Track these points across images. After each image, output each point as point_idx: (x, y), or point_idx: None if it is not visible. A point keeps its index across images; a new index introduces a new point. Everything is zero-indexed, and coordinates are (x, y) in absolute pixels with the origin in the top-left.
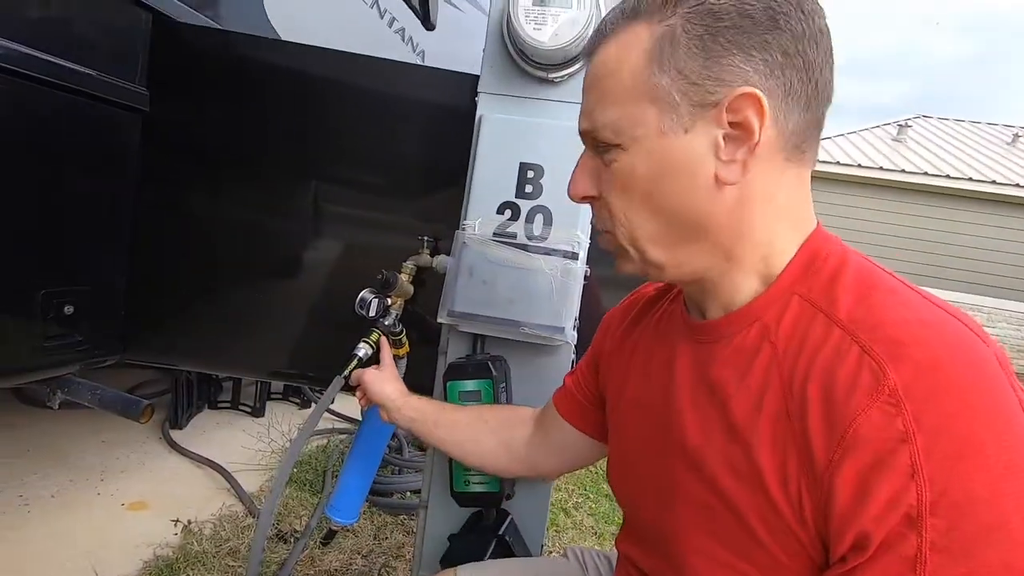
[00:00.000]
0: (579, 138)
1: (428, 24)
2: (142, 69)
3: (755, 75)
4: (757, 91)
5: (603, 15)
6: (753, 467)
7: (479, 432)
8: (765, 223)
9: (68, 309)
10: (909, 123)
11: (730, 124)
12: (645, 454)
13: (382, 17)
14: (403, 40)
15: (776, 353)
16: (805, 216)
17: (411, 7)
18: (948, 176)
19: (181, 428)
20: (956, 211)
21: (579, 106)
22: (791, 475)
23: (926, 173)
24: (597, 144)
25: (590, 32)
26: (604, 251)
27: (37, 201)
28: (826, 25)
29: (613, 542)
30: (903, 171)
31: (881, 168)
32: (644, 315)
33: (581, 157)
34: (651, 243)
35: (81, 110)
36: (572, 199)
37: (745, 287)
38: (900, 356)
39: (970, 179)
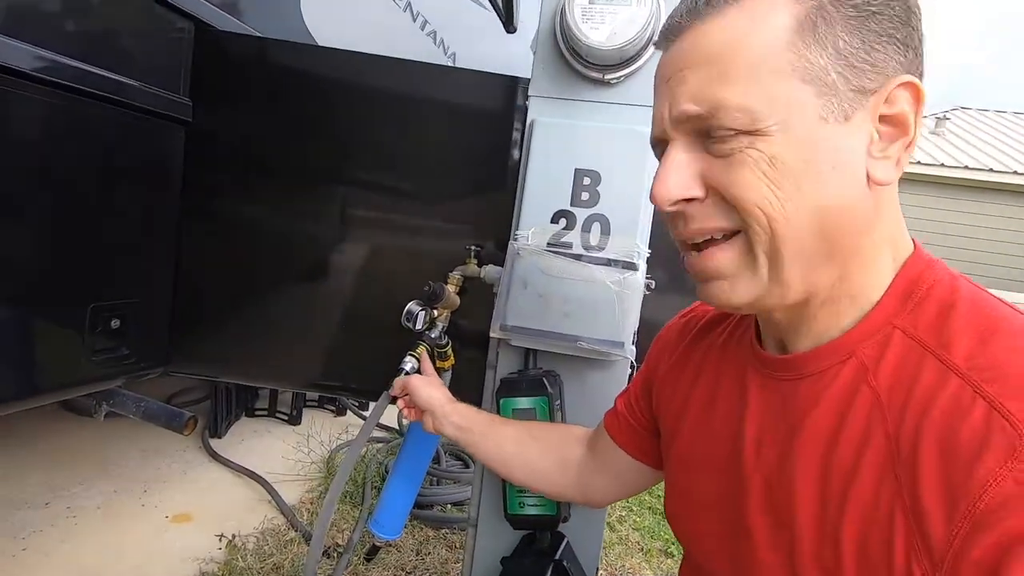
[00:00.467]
0: (641, 138)
1: (510, 27)
2: (185, 79)
3: (906, 66)
4: (918, 81)
5: (662, 13)
6: (851, 531)
7: (529, 449)
8: (880, 237)
9: (115, 323)
10: (947, 115)
11: (881, 118)
12: (710, 494)
13: (415, 20)
14: (435, 43)
15: (879, 400)
16: (903, 234)
17: (495, 8)
18: (991, 170)
19: (220, 437)
20: (1000, 206)
21: (637, 108)
22: (898, 546)
23: (967, 167)
24: (711, 131)
25: (649, 31)
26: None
27: (86, 215)
28: None
29: (660, 558)
30: (943, 165)
31: (919, 163)
32: (704, 336)
33: (669, 154)
34: (794, 250)
35: (127, 123)
36: (661, 204)
37: (844, 316)
38: None
39: (1015, 172)
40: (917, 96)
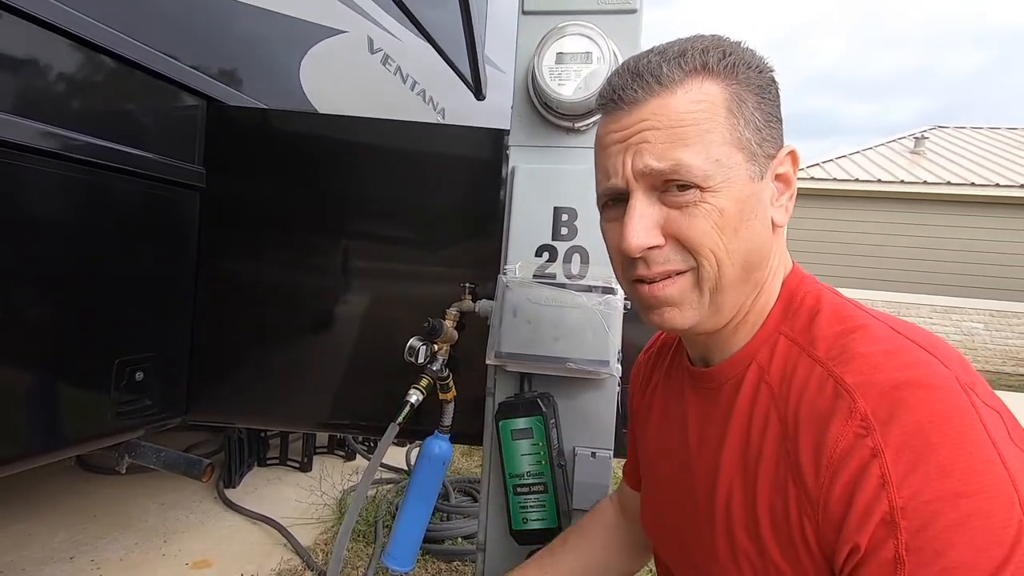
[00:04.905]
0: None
1: (479, 95)
2: (199, 150)
3: (783, 137)
4: (796, 149)
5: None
6: (764, 502)
7: (590, 551)
8: (775, 266)
9: (138, 376)
10: (926, 135)
11: (777, 176)
12: (671, 498)
13: (404, 82)
14: (424, 101)
15: (773, 393)
16: (787, 257)
17: (464, 81)
18: (973, 184)
19: (234, 487)
20: (985, 218)
21: None
22: (792, 508)
23: (949, 183)
24: (668, 184)
25: None
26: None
27: (112, 277)
28: None
29: None
30: (924, 183)
31: (902, 181)
32: (658, 365)
33: (633, 206)
34: (729, 282)
35: (147, 191)
36: (632, 253)
37: (747, 331)
38: (866, 384)
39: (997, 185)
40: (795, 160)
